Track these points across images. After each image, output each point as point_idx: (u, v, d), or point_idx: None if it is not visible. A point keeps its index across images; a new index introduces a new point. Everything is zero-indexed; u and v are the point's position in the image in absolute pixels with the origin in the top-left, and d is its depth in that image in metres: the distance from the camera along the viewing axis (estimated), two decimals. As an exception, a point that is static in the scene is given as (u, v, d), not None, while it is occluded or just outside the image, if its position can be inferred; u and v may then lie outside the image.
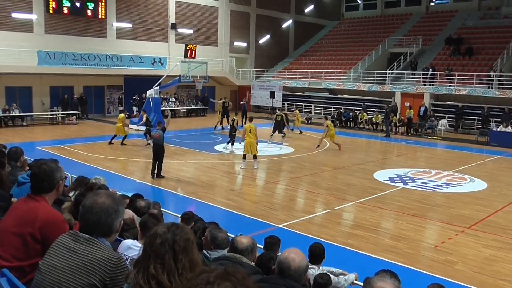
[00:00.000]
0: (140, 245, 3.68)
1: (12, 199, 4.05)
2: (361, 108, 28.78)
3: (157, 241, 2.19)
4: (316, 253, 5.24)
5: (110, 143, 19.32)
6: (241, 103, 27.56)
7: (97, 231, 2.51)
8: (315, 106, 33.28)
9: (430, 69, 28.21)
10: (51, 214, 3.11)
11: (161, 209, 6.32)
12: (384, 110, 25.55)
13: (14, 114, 25.02)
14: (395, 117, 26.09)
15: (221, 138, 21.98)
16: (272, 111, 26.90)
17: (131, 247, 3.75)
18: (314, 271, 4.99)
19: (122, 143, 19.34)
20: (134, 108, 29.30)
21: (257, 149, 15.42)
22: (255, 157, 15.41)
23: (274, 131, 21.30)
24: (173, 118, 29.80)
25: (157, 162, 13.51)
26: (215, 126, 25.12)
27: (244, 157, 15.43)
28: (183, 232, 2.25)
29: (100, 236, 2.51)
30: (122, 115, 19.89)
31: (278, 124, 21.38)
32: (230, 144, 18.55)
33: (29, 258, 2.95)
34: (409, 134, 25.31)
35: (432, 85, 27.65)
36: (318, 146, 19.96)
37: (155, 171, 13.56)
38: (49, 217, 3.06)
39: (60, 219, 3.15)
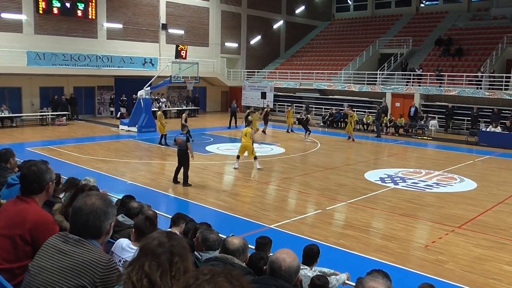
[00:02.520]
0: (135, 247, 3.66)
1: (1, 200, 4.01)
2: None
3: (155, 242, 2.22)
4: (310, 255, 5.27)
5: (160, 144, 19.37)
6: (231, 105, 27.55)
7: (86, 233, 2.48)
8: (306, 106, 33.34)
9: (421, 70, 28.37)
10: (41, 215, 3.08)
11: (153, 210, 6.29)
12: (376, 111, 25.70)
13: (3, 115, 24.79)
14: (385, 117, 26.22)
15: (212, 139, 21.94)
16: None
17: (126, 249, 3.71)
18: (306, 271, 5.00)
19: (159, 143, 19.27)
20: (123, 109, 29.16)
21: (254, 151, 15.47)
22: (255, 158, 15.44)
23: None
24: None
25: (182, 169, 12.98)
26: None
27: (238, 157, 15.48)
28: (181, 240, 2.29)
29: (90, 238, 2.49)
30: (160, 112, 20.24)
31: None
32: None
33: (18, 260, 2.92)
34: (397, 134, 25.43)
35: (420, 85, 27.82)
36: (352, 139, 22.33)
37: (178, 177, 13.05)
38: (39, 219, 3.03)
39: (50, 221, 3.12)
